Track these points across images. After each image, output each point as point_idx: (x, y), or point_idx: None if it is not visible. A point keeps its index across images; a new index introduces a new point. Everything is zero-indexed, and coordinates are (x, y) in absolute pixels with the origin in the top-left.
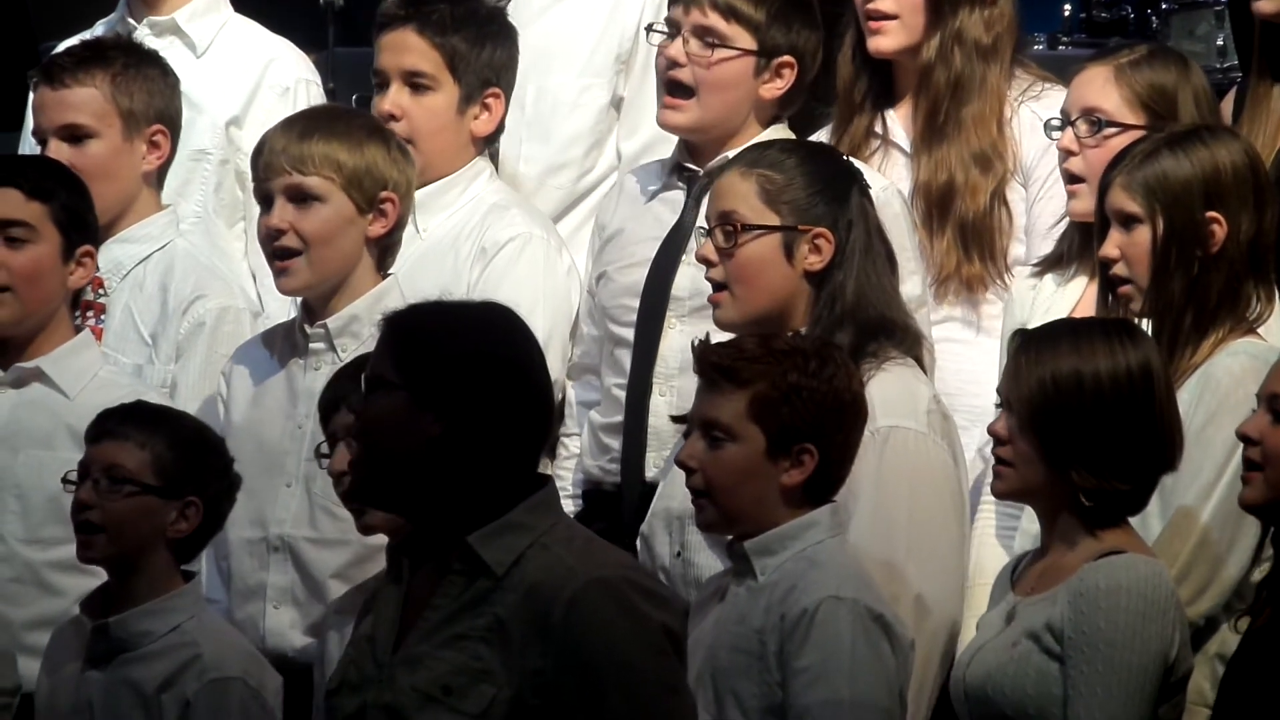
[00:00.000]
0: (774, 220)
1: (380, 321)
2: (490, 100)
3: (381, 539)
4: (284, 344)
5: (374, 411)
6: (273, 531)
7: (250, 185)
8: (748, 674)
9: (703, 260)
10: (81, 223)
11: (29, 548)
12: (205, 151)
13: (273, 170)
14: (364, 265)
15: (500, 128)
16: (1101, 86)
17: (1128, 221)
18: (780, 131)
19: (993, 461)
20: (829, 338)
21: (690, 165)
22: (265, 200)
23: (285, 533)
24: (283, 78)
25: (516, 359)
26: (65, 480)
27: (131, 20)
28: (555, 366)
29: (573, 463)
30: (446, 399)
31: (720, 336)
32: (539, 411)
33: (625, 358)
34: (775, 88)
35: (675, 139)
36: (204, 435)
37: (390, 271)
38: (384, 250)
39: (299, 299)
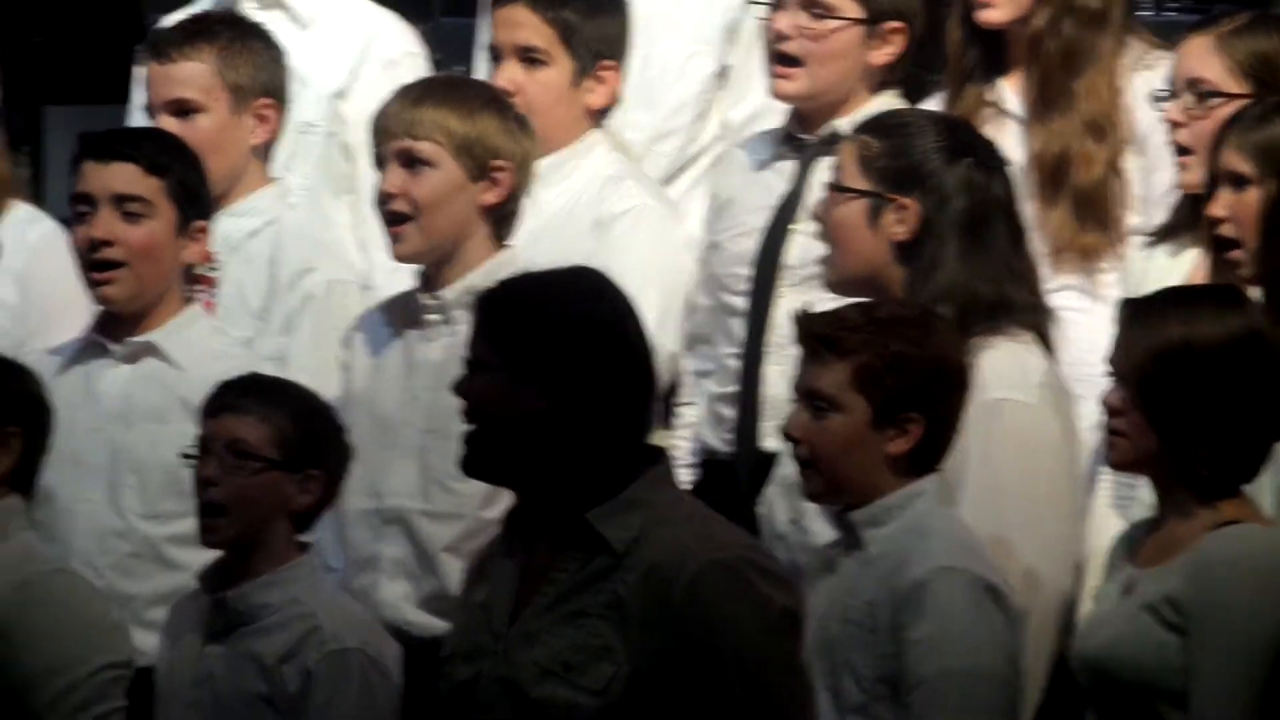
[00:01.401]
0: (863, 185)
1: (472, 300)
2: (604, 72)
3: (499, 512)
4: (402, 314)
5: (476, 391)
6: (387, 503)
7: (356, 158)
8: (861, 646)
9: (816, 219)
10: (196, 197)
11: (147, 522)
12: (311, 124)
13: (386, 134)
14: (479, 235)
15: (615, 99)
16: (1204, 56)
17: (1238, 182)
18: (892, 100)
19: (1107, 432)
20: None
21: (801, 134)
22: (381, 164)
23: (399, 504)
24: (388, 50)
25: (612, 323)
26: (185, 455)
27: None
28: (671, 338)
29: (688, 433)
30: (546, 372)
31: (827, 304)
32: (642, 376)
33: (738, 327)
34: (885, 53)
35: (781, 107)
36: (321, 407)
37: (509, 243)
38: (499, 220)
39: (412, 270)
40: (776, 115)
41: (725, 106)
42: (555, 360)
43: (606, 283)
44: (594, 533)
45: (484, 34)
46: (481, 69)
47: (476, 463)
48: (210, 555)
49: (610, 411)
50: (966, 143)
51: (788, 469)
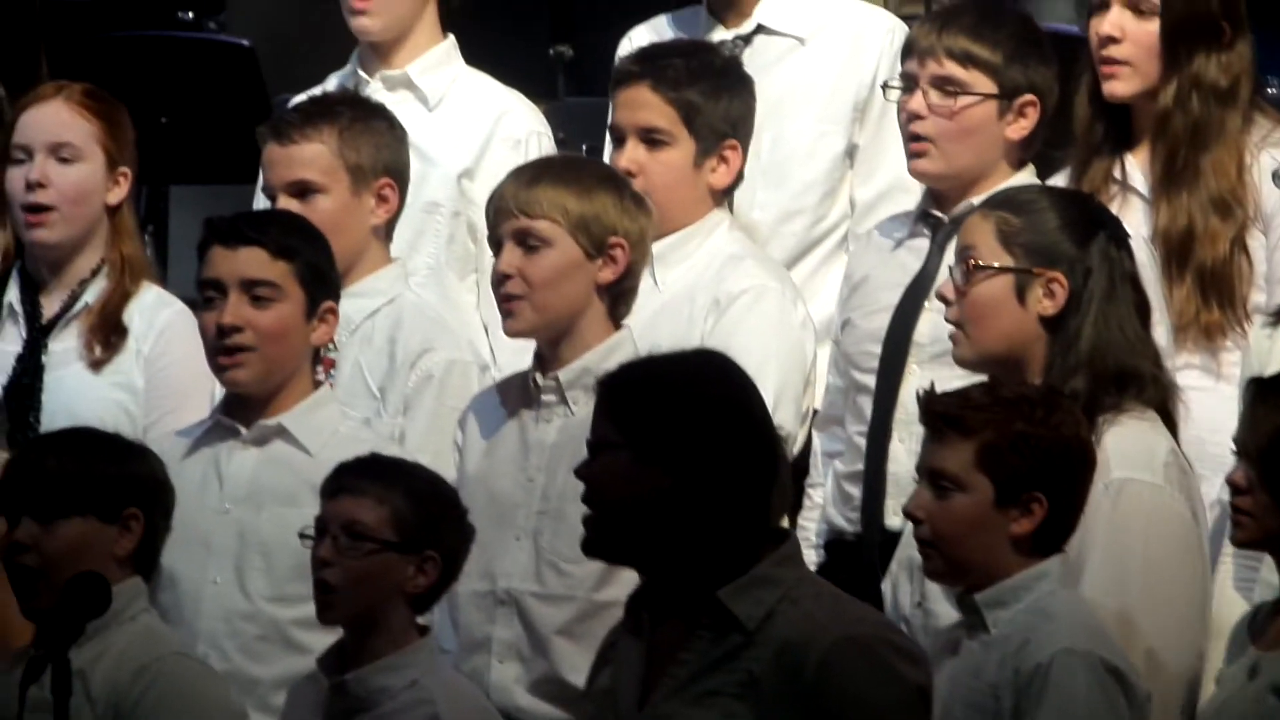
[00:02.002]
0: (1008, 261)
1: (595, 384)
2: (728, 152)
3: (610, 595)
4: (517, 395)
5: (600, 472)
6: (500, 585)
7: (482, 237)
8: None
9: (941, 298)
10: (324, 279)
11: (274, 605)
12: (437, 204)
13: (502, 215)
14: (594, 313)
15: (738, 179)
16: None
17: None
18: (1027, 176)
19: (1231, 511)
20: (1061, 385)
21: (936, 212)
22: (497, 246)
23: (512, 586)
24: (514, 130)
25: (734, 402)
26: (303, 535)
27: (363, 74)
28: (789, 418)
29: (817, 513)
30: (670, 451)
31: (951, 385)
32: (765, 454)
33: (868, 405)
34: (1020, 128)
35: (910, 187)
36: (440, 488)
37: (625, 323)
38: (616, 299)
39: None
40: (905, 194)
41: (854, 186)
42: (679, 439)
43: (728, 364)
44: (724, 611)
45: None
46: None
47: (600, 544)
48: (334, 638)
49: (734, 489)
50: (1097, 217)
51: (913, 549)
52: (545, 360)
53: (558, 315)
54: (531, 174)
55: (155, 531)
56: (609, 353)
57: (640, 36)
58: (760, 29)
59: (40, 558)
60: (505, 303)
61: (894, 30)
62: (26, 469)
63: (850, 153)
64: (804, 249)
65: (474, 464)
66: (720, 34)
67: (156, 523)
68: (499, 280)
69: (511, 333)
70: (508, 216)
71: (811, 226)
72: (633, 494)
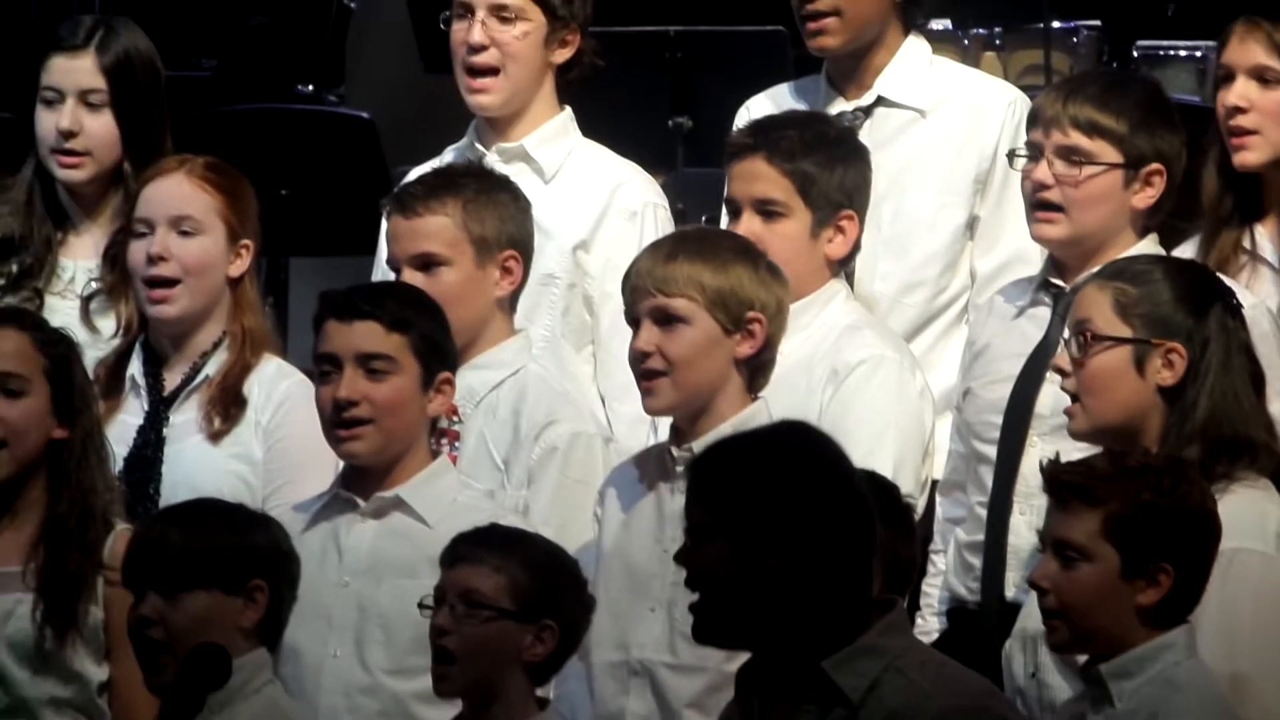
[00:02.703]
0: (1126, 332)
1: (685, 469)
2: (844, 223)
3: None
4: (654, 467)
5: (702, 560)
6: (634, 655)
7: (597, 309)
8: None
9: (1057, 370)
10: (440, 351)
11: (395, 678)
12: (553, 276)
13: (639, 292)
14: (733, 386)
15: (855, 249)
16: None
17: None
18: (1150, 245)
19: None
20: (1178, 454)
21: (1057, 281)
22: (634, 323)
23: (645, 657)
24: (630, 201)
25: (824, 473)
26: (422, 605)
27: (480, 147)
28: (909, 486)
29: (939, 580)
30: (766, 533)
31: (1074, 454)
32: (861, 522)
33: (989, 475)
34: (1146, 197)
35: (1031, 258)
36: (558, 557)
37: (760, 395)
38: (754, 371)
39: (652, 423)
40: (1026, 266)
41: (974, 257)
42: (773, 520)
43: (814, 434)
44: (828, 683)
45: None
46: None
47: (708, 631)
48: (454, 712)
49: (834, 561)
50: (1212, 287)
51: (1029, 621)
52: (682, 432)
53: (697, 392)
54: (667, 250)
55: (281, 602)
56: (744, 424)
57: (759, 107)
58: (880, 101)
59: (166, 631)
60: (645, 380)
61: (1014, 102)
62: (151, 543)
63: (971, 224)
64: (925, 320)
65: (611, 536)
66: (840, 106)
67: (282, 593)
68: (638, 358)
69: (652, 411)
70: (645, 294)
71: (932, 298)
72: (733, 581)
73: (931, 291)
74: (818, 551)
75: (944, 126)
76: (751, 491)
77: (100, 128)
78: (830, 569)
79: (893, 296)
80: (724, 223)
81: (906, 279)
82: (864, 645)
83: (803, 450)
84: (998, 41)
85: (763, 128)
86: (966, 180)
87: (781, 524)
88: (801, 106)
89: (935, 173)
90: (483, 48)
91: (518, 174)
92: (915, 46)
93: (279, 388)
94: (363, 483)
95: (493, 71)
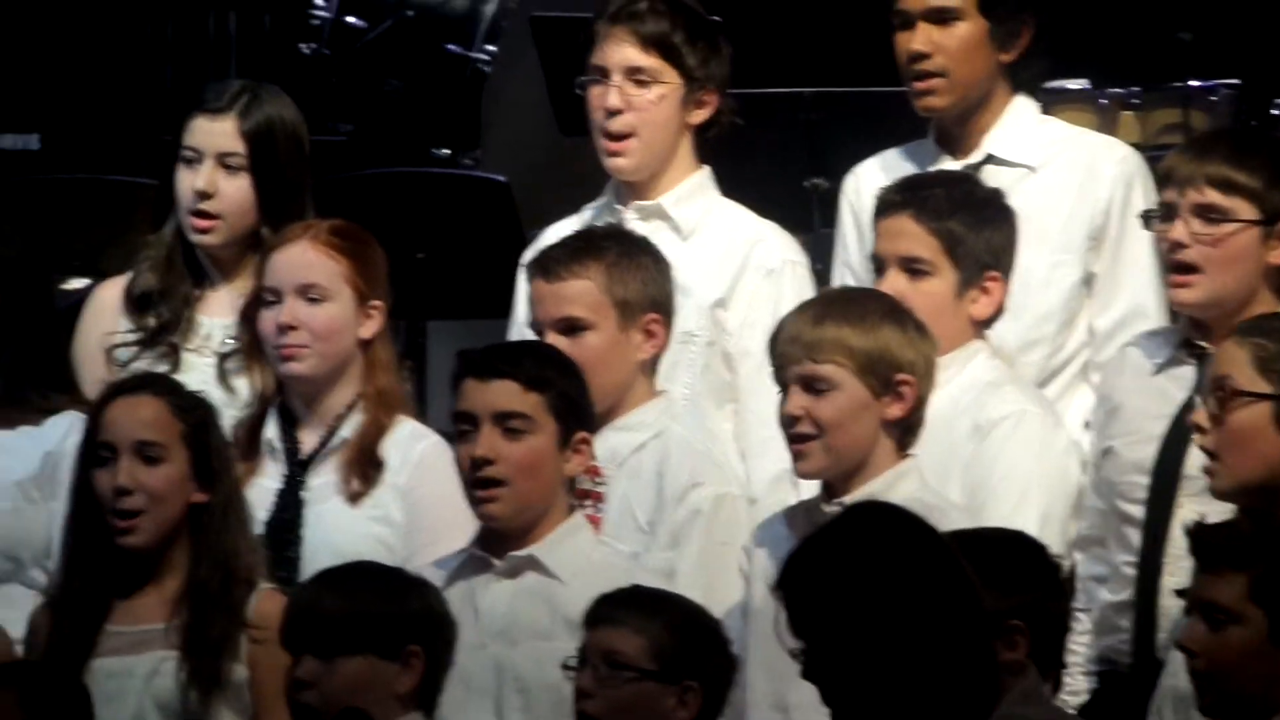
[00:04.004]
0: (1265, 389)
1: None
2: (989, 283)
3: None
4: (804, 522)
5: (816, 660)
6: (792, 717)
7: (737, 367)
8: None
9: (1195, 426)
10: (578, 410)
11: None
12: (692, 334)
13: (787, 358)
14: (883, 447)
15: (999, 311)
16: None
17: None
18: None
19: None
20: None
21: (1201, 342)
22: (783, 386)
23: (804, 718)
24: (768, 258)
25: (916, 554)
26: (565, 667)
27: (618, 206)
28: (1055, 543)
29: (1086, 638)
30: (873, 630)
31: (1218, 517)
32: (966, 593)
33: (1133, 535)
34: None
35: (1149, 314)
36: (700, 619)
37: (911, 452)
38: (905, 430)
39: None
40: (1144, 321)
41: (1092, 314)
42: (873, 615)
43: (895, 514)
44: None
45: (839, 249)
46: (838, 281)
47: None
48: None
49: (943, 636)
50: None
51: (1176, 680)
52: (832, 488)
53: (848, 455)
54: (814, 313)
55: (437, 668)
56: (895, 480)
57: (867, 171)
58: (989, 159)
59: (321, 696)
60: (795, 444)
61: (1126, 158)
62: (308, 607)
63: (1086, 281)
64: (1043, 378)
65: (762, 594)
66: (948, 165)
67: (438, 659)
68: (788, 423)
69: (804, 474)
70: (793, 360)
71: (1050, 356)
72: (853, 678)
73: (1049, 350)
74: (926, 629)
75: (1055, 183)
76: (846, 587)
77: (235, 191)
78: (943, 644)
79: (1010, 355)
80: (844, 282)
81: (1023, 337)
82: (1006, 715)
83: (886, 531)
84: (1135, 100)
85: (911, 185)
86: (1080, 237)
87: (883, 610)
88: (910, 168)
89: (1048, 230)
90: (619, 112)
91: (655, 231)
92: (1023, 105)
93: (415, 449)
94: (499, 542)
95: (629, 135)
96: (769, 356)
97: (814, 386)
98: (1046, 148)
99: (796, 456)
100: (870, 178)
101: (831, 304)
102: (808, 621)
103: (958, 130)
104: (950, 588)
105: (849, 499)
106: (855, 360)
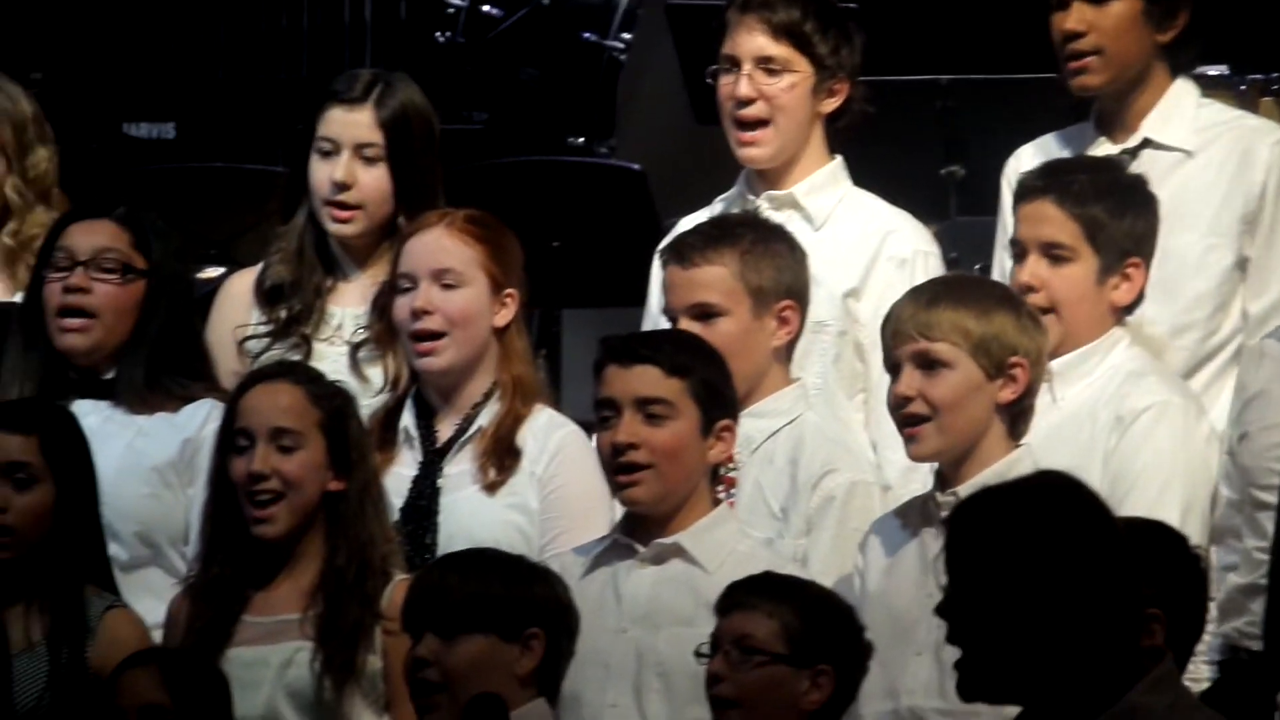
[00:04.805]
0: None
1: (949, 515)
2: (1130, 270)
3: (1014, 710)
4: (918, 514)
5: (960, 616)
6: (903, 703)
7: (868, 356)
8: None
9: None
10: (720, 397)
11: None
12: (824, 323)
13: (900, 337)
14: (995, 432)
15: (1140, 297)
16: None
17: None
18: None
19: None
20: None
21: None
22: (894, 369)
23: (916, 704)
24: (900, 249)
25: (1090, 525)
26: (698, 653)
27: (750, 196)
28: (1196, 533)
29: (1210, 627)
30: (1033, 586)
31: None
32: (1127, 576)
33: (1267, 520)
34: None
35: None
36: (833, 603)
37: (1023, 441)
38: (1015, 417)
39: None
40: None
41: (1246, 299)
42: (1036, 572)
43: (1076, 485)
44: None
45: (1001, 233)
46: (999, 266)
47: (973, 687)
48: None
49: (1098, 614)
50: None
51: None
52: (946, 478)
53: (960, 437)
54: (929, 295)
55: (558, 654)
56: (1007, 470)
57: (1027, 155)
58: (1147, 143)
59: (441, 673)
60: (907, 426)
61: None
62: (431, 587)
63: (1241, 265)
64: (1197, 363)
65: (874, 583)
66: (1106, 149)
67: (559, 645)
68: (898, 403)
69: (916, 456)
70: (906, 339)
71: (1203, 340)
72: (998, 634)
73: (1202, 334)
74: (1082, 604)
75: (1211, 167)
76: (1013, 543)
77: (373, 181)
78: (1094, 621)
79: (1163, 339)
80: (1003, 267)
81: (1176, 321)
82: (1130, 704)
83: (1065, 500)
84: (1276, 86)
85: (1054, 170)
86: (1234, 220)
87: (1045, 576)
88: (1069, 152)
89: (1202, 214)
90: (751, 101)
91: (787, 221)
92: (1182, 88)
93: (553, 438)
94: (642, 528)
95: (761, 124)
96: (881, 340)
97: (927, 366)
98: (1203, 132)
99: (909, 439)
100: (1031, 161)
101: (945, 287)
102: (969, 575)
103: (1116, 113)
104: (1113, 566)
105: (962, 489)
106: (969, 341)
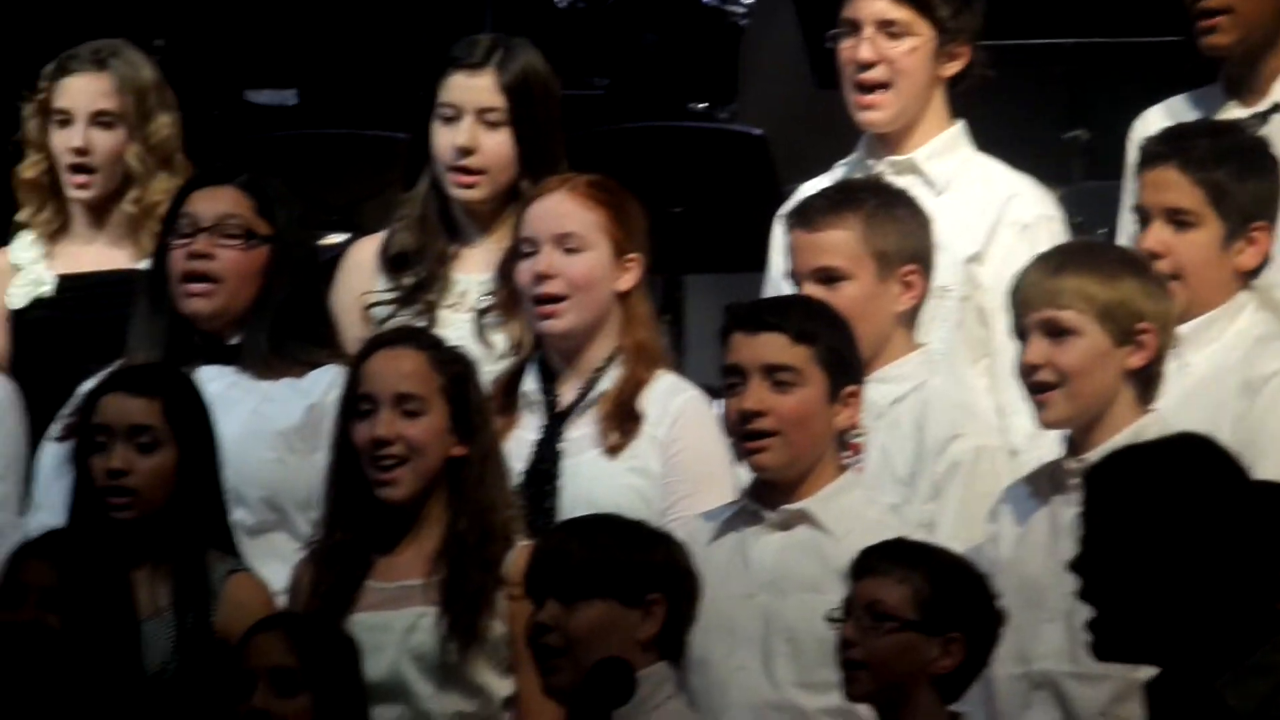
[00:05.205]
0: None
1: (1079, 481)
2: (1256, 234)
3: (1148, 673)
4: (1048, 480)
5: (1095, 573)
6: (1035, 667)
7: (991, 322)
8: None
9: None
10: (846, 363)
11: (801, 692)
12: (946, 288)
13: (1027, 305)
14: (1124, 398)
15: (1265, 261)
16: None
17: None
18: None
19: None
20: None
21: None
22: (1022, 336)
23: (1047, 668)
24: (1022, 214)
25: (1225, 485)
26: (829, 618)
27: (870, 161)
28: None
29: None
30: (1167, 544)
31: None
32: (1263, 537)
33: None
34: None
35: None
36: (965, 570)
37: (1152, 406)
38: (1144, 383)
39: (1052, 435)
40: None
41: None
42: (1171, 531)
43: (1212, 445)
44: (1220, 702)
45: (1127, 196)
46: (1125, 231)
47: (1106, 645)
48: None
49: (1232, 574)
50: None
51: None
52: (1075, 444)
53: (1089, 404)
54: (1055, 262)
55: (680, 618)
56: (1137, 435)
57: (1154, 118)
58: (1277, 107)
59: (562, 638)
60: (1037, 394)
61: None
62: (552, 552)
63: None
64: None
65: (1006, 550)
66: (1236, 112)
67: (681, 609)
68: (1027, 371)
69: (1045, 424)
70: (1032, 307)
71: None
72: (1131, 592)
73: None
74: (1216, 562)
75: None
76: (1151, 502)
77: (497, 146)
78: (1228, 581)
79: None
80: (1127, 232)
81: None
82: (1256, 663)
83: (1201, 461)
84: None
85: (1176, 135)
86: None
87: (1182, 533)
88: (1197, 116)
89: None
90: (871, 64)
91: (908, 187)
92: None
93: (674, 402)
94: (770, 494)
95: (882, 87)
96: (1008, 307)
97: (1055, 333)
98: None
99: (1038, 406)
100: (1158, 124)
101: (1072, 254)
102: (1105, 531)
103: (1245, 75)
104: (1248, 525)
105: (1092, 455)
106: (1096, 307)
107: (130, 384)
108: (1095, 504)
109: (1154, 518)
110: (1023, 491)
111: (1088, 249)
